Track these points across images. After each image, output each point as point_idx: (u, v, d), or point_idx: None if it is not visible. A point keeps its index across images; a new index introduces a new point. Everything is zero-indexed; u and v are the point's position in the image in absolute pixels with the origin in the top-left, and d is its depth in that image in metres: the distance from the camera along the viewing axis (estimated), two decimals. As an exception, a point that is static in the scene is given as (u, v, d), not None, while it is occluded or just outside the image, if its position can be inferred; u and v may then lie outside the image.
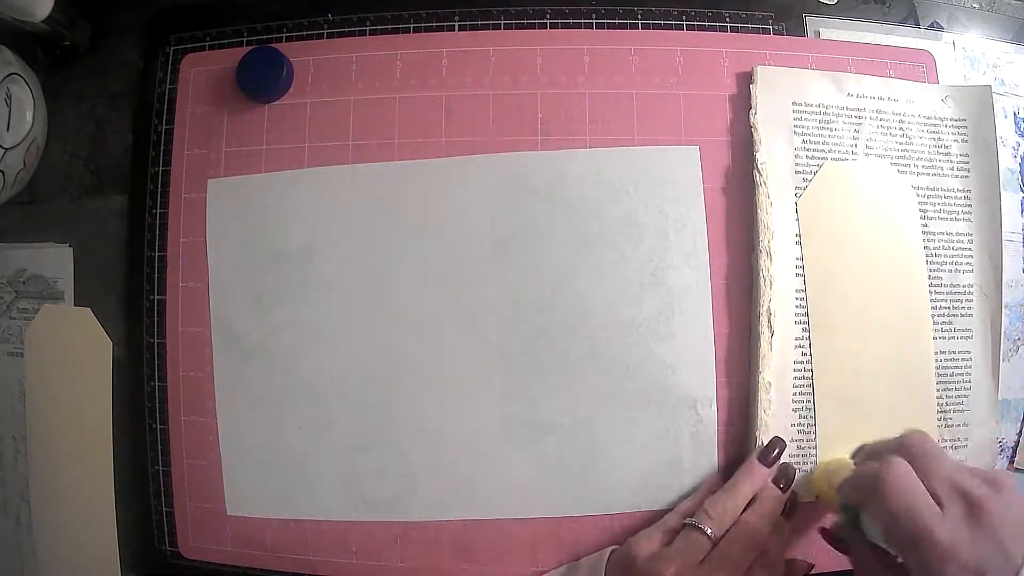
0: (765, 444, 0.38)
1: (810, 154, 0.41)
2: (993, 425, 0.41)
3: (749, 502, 0.37)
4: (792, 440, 0.39)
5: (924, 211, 0.41)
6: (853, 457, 0.37)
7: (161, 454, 0.42)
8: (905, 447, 0.32)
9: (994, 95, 0.43)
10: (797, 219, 0.40)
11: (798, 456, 0.39)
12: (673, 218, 0.41)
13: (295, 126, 0.42)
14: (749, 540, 0.35)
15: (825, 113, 0.41)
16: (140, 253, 0.43)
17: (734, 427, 0.40)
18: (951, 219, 0.41)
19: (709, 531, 0.35)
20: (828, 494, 0.36)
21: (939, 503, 0.29)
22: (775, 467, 0.38)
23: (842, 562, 0.37)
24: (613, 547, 0.38)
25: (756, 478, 0.37)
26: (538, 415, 0.40)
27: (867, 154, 0.41)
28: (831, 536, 0.37)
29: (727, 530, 0.35)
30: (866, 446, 0.36)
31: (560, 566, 0.39)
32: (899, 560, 0.31)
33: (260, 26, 0.44)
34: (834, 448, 0.39)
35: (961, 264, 0.41)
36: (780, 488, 0.37)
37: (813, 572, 0.38)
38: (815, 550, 0.39)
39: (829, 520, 0.38)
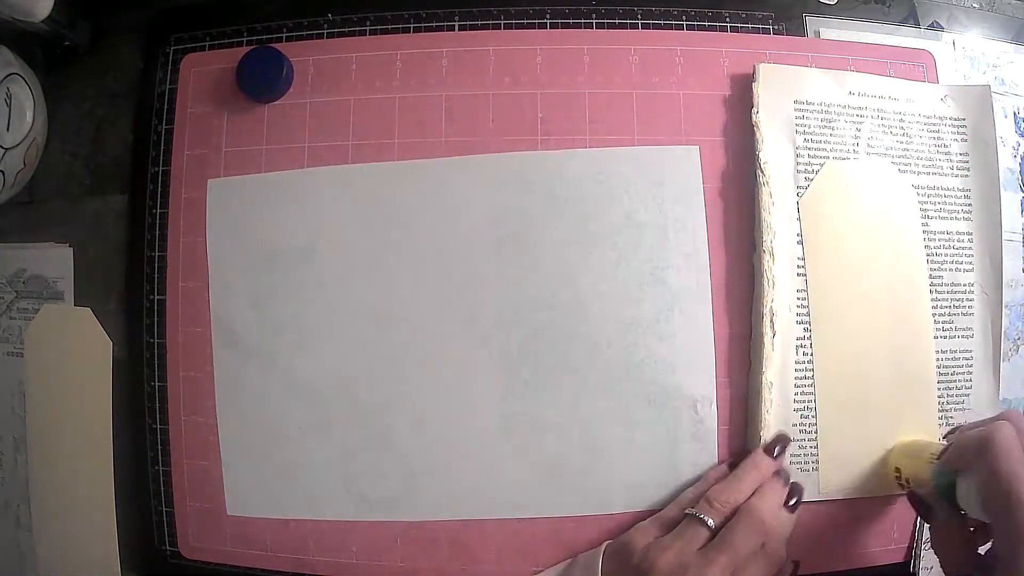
0: (772, 438, 0.38)
1: (812, 153, 0.41)
2: (994, 425, 0.41)
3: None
4: (793, 439, 0.39)
5: (924, 210, 0.41)
6: (946, 436, 0.38)
7: (161, 454, 0.42)
8: (1008, 416, 0.32)
9: (994, 95, 0.43)
10: (799, 218, 0.40)
11: (800, 455, 0.39)
12: (673, 218, 0.41)
13: (295, 126, 0.42)
14: (751, 527, 0.34)
15: (827, 112, 0.41)
16: (140, 253, 0.43)
17: (734, 427, 0.40)
18: (951, 218, 0.41)
19: (710, 521, 0.35)
20: (914, 468, 0.37)
21: None
22: (781, 460, 0.38)
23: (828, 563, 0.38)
24: (608, 541, 0.38)
25: (761, 470, 0.37)
26: (538, 415, 0.40)
27: (868, 153, 0.41)
28: (917, 502, 0.37)
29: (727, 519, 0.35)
30: (961, 426, 0.37)
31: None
32: (983, 540, 0.32)
33: (260, 26, 0.44)
34: (835, 448, 0.39)
35: (961, 263, 0.41)
36: (782, 482, 0.37)
37: (804, 573, 0.38)
38: (804, 551, 0.39)
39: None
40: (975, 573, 0.32)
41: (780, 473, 0.38)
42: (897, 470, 0.39)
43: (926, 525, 0.41)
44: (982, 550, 0.33)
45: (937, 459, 0.35)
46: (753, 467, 0.37)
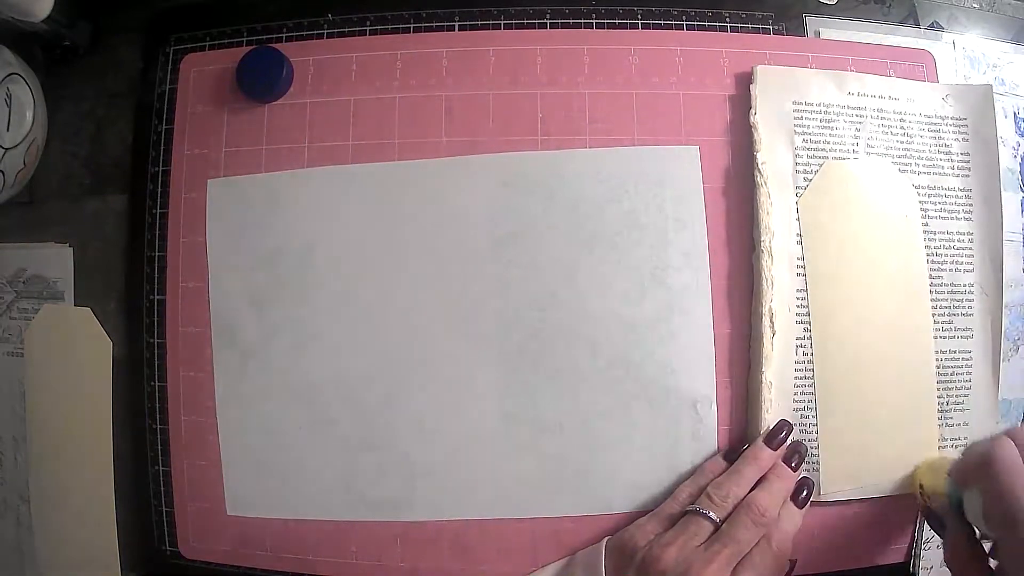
0: (771, 426, 0.38)
1: (811, 153, 0.41)
2: (994, 425, 0.41)
3: (755, 484, 0.36)
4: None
5: (925, 210, 0.41)
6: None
7: (161, 454, 0.42)
8: (1012, 433, 0.32)
9: (994, 95, 0.42)
10: (798, 219, 0.40)
11: (799, 456, 0.39)
12: (673, 218, 0.41)
13: (295, 126, 0.42)
14: (753, 520, 0.34)
15: (826, 112, 0.41)
16: (140, 253, 0.43)
17: (734, 427, 0.40)
18: (952, 218, 0.41)
19: (713, 515, 0.35)
20: (933, 482, 0.37)
21: None
22: (782, 450, 0.37)
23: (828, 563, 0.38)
24: (607, 537, 0.38)
25: (762, 461, 0.37)
26: (538, 415, 0.40)
27: (868, 153, 0.41)
28: (931, 516, 0.37)
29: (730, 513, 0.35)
30: (974, 442, 0.37)
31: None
32: (989, 553, 0.32)
33: (260, 26, 0.44)
34: (835, 448, 0.39)
35: (962, 263, 0.41)
36: (791, 467, 0.37)
37: (801, 573, 0.38)
38: (804, 550, 0.39)
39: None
40: None
41: (790, 458, 0.37)
42: (921, 486, 0.39)
43: (927, 526, 0.41)
44: (992, 564, 0.33)
45: (948, 474, 0.35)
46: (752, 459, 0.37)
